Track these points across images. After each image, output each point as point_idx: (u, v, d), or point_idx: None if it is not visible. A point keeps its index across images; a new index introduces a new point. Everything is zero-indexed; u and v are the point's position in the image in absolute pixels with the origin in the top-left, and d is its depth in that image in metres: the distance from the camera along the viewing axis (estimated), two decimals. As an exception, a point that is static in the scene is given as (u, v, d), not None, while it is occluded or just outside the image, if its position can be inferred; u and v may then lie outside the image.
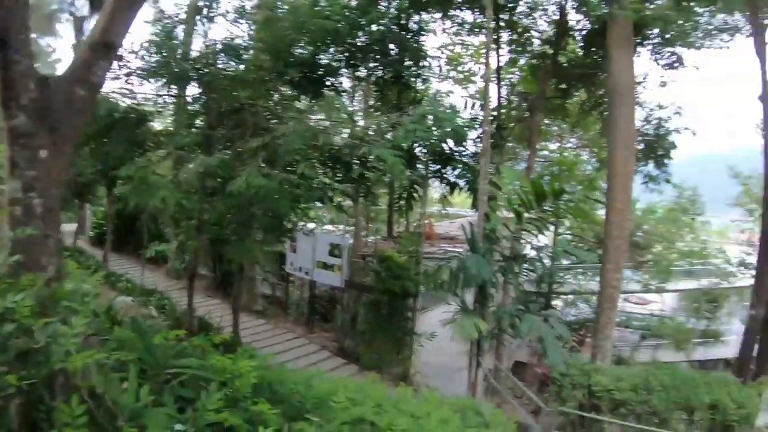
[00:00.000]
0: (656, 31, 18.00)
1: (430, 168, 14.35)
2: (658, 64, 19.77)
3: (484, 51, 12.95)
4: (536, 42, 21.07)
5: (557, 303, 27.20)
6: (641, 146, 20.26)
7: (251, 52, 13.36)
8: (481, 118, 11.92)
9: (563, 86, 21.15)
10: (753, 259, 28.21)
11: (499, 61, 20.47)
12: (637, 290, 29.07)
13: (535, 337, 10.85)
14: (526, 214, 9.84)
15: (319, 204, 11.81)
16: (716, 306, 28.76)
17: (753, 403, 11.51)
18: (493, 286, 10.44)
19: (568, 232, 28.69)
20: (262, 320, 18.68)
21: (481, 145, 11.29)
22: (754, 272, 28.23)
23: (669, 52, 19.30)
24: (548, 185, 9.22)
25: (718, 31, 20.88)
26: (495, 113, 18.00)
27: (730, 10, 19.83)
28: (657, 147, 20.48)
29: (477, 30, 19.62)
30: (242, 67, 12.79)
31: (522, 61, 22.09)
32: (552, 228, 11.68)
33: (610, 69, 14.86)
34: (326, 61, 15.16)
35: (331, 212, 19.97)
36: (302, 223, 13.32)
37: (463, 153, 14.32)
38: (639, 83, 20.08)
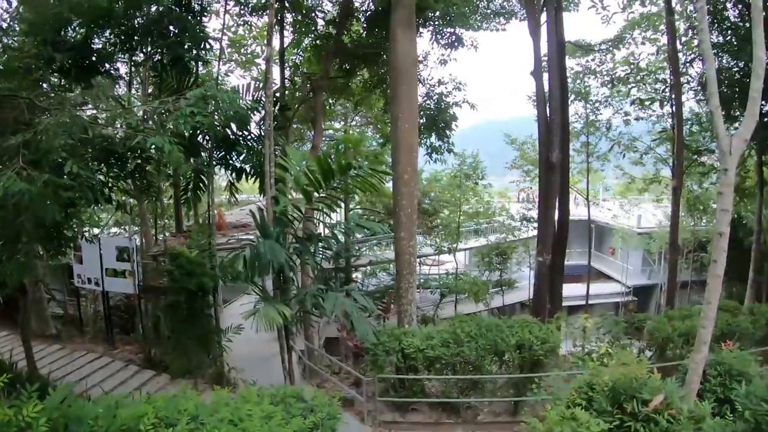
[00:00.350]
0: (438, 14, 18.66)
1: (215, 155, 13.53)
2: (439, 43, 20.72)
3: (267, 32, 12.51)
4: (320, 23, 21.09)
5: (357, 275, 27.86)
6: (423, 120, 20.95)
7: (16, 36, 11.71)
8: (265, 99, 11.44)
9: (347, 66, 21.31)
10: (533, 214, 30.98)
11: (282, 42, 20.23)
12: (430, 253, 30.61)
13: (341, 313, 10.74)
14: (315, 194, 9.56)
15: (98, 205, 10.53)
16: (506, 258, 31.02)
17: (554, 337, 12.62)
18: (291, 269, 10.12)
19: (359, 207, 29.48)
20: (57, 345, 16.76)
21: (265, 127, 10.80)
22: (535, 225, 31.05)
23: (449, 32, 20.17)
24: (335, 162, 9.01)
25: (494, 14, 22.59)
26: (278, 94, 17.66)
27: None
28: (438, 120, 21.30)
29: (260, 11, 19.08)
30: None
31: (306, 42, 21.93)
32: (343, 204, 11.65)
33: (393, 48, 15.13)
34: (100, 45, 13.90)
35: (115, 213, 18.36)
36: (85, 229, 11.85)
37: (248, 137, 13.60)
38: (421, 61, 20.80)
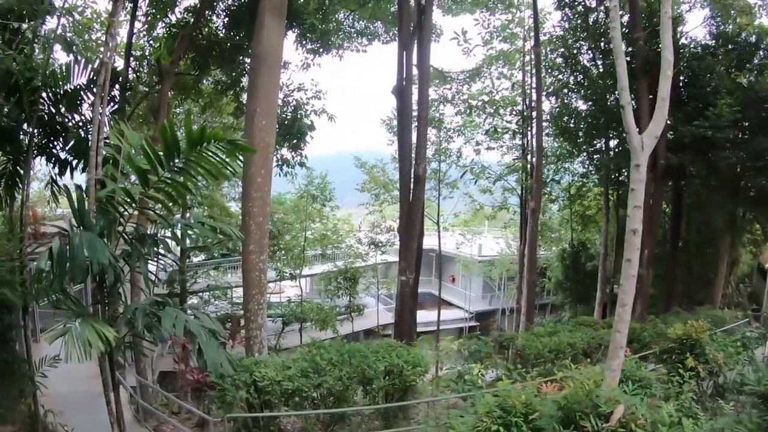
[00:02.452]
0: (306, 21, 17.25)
1: (35, 142, 10.19)
2: (303, 46, 19.25)
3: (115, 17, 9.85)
4: (178, 10, 18.38)
5: (193, 302, 25.15)
6: (277, 128, 18.68)
7: None
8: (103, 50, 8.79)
9: (198, 61, 18.76)
10: (381, 239, 30.36)
11: (132, 27, 17.27)
12: (272, 279, 28.29)
13: (179, 341, 8.06)
14: (154, 177, 6.89)
15: None
16: (353, 282, 29.43)
17: (424, 361, 11.42)
18: (117, 278, 7.22)
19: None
20: None
21: (98, 83, 8.04)
22: (383, 251, 30.32)
23: (315, 37, 18.68)
24: (183, 134, 6.56)
25: (359, 34, 21.66)
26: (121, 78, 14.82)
27: (374, 17, 21.18)
28: (294, 129, 19.28)
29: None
30: None
31: (160, 30, 18.85)
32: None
33: (259, 35, 13.05)
34: None
35: None
36: None
37: (79, 123, 10.57)
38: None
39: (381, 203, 31.77)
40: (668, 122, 18.48)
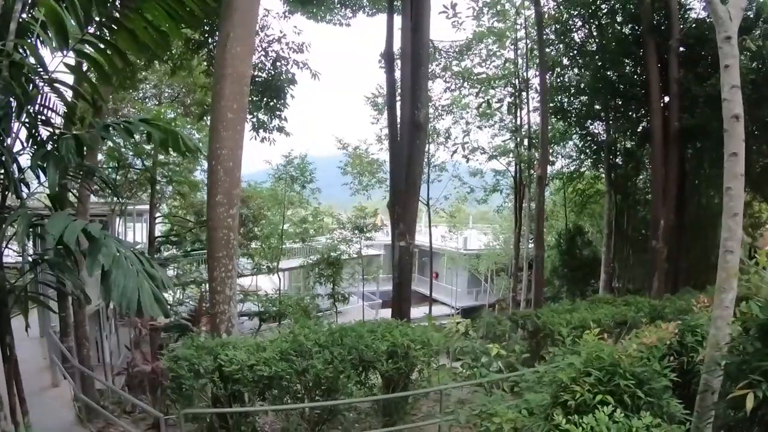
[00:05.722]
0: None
1: None
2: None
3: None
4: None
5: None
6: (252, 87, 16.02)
7: None
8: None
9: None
10: (366, 222, 29.19)
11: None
12: (249, 273, 26.51)
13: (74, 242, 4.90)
14: (78, 30, 4.31)
15: None
16: (338, 268, 27.64)
17: (435, 339, 9.11)
18: (13, 185, 4.47)
19: (162, 218, 23.88)
20: None
21: None
22: (367, 236, 28.52)
23: None
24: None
25: (342, 5, 19.73)
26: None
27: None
28: (271, 84, 16.95)
29: None
30: None
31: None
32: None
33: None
34: None
35: None
36: None
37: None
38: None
39: (365, 187, 30.07)
40: (681, 82, 17.69)
